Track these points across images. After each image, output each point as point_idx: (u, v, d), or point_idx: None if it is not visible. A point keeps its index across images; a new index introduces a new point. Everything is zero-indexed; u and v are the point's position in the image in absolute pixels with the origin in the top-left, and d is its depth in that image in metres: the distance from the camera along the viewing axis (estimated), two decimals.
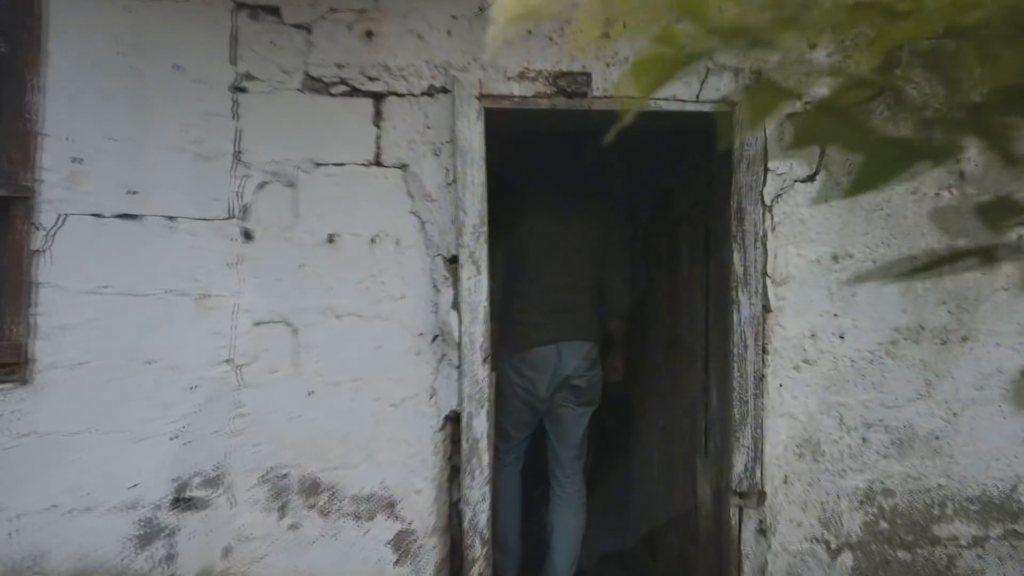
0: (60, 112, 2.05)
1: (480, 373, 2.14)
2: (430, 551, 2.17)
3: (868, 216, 2.25)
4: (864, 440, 2.25)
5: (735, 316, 2.19)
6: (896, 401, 2.26)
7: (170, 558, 2.08)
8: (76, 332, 2.05)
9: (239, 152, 2.12)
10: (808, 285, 2.23)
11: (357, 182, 2.15)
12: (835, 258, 2.24)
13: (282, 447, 2.13)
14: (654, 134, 2.82)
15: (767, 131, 2.21)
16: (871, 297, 2.25)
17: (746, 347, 2.18)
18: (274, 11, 2.13)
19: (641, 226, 3.25)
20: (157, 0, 2.10)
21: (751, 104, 0.48)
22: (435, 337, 2.17)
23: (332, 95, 2.14)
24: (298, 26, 2.14)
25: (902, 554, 2.26)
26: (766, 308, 2.21)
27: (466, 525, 2.14)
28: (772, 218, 2.22)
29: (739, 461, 2.19)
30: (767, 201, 2.21)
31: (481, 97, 2.14)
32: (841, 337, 2.24)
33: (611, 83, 2.18)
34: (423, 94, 2.16)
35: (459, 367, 2.14)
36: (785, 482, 2.23)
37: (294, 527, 2.14)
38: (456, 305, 2.15)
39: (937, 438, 2.27)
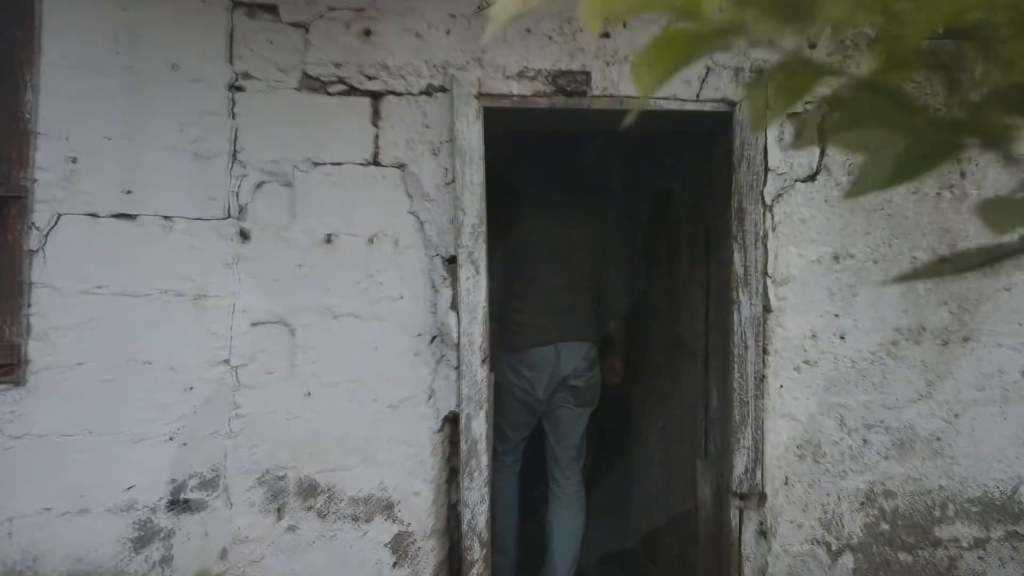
0: (56, 111, 2.04)
1: (479, 374, 2.12)
2: (428, 553, 2.15)
3: (869, 216, 2.24)
4: (865, 441, 2.24)
5: (735, 316, 2.17)
6: (897, 402, 2.25)
7: (167, 560, 2.07)
8: (72, 333, 2.03)
9: (236, 151, 2.11)
10: (809, 285, 2.22)
11: (355, 182, 2.14)
12: (836, 258, 2.23)
13: (279, 448, 2.12)
14: (654, 134, 2.81)
15: (767, 130, 2.20)
16: (872, 297, 2.24)
17: (746, 348, 2.17)
18: (271, 9, 2.12)
19: (641, 226, 3.24)
20: None
21: (781, 84, 0.44)
22: (433, 338, 2.16)
23: (330, 94, 2.13)
24: (295, 24, 2.13)
25: (903, 556, 2.25)
26: (766, 308, 2.20)
27: (465, 527, 2.13)
28: (773, 218, 2.21)
29: (739, 462, 2.17)
30: (767, 201, 2.20)
31: (480, 96, 2.12)
32: (842, 338, 2.23)
33: (611, 82, 2.17)
34: (421, 93, 2.15)
35: (458, 368, 2.13)
36: (786, 483, 2.22)
37: (291, 529, 2.12)
38: (455, 306, 2.14)
39: (938, 439, 2.26)
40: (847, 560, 2.23)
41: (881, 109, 0.42)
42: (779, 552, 2.21)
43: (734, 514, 2.22)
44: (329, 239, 2.14)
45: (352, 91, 2.14)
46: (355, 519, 2.14)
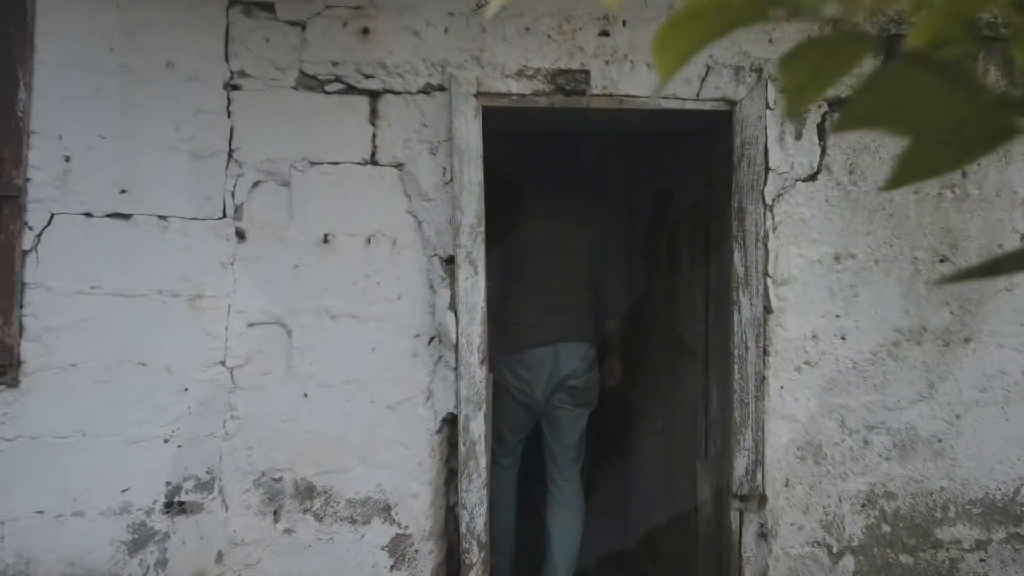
0: (50, 110, 2.02)
1: (477, 375, 2.11)
2: (427, 556, 2.14)
3: (870, 216, 2.22)
4: (866, 443, 2.22)
5: (736, 317, 2.16)
6: (898, 403, 2.23)
7: (162, 563, 2.05)
8: (66, 333, 2.01)
9: (232, 150, 2.09)
10: (809, 286, 2.21)
11: (352, 181, 2.12)
12: (837, 258, 2.22)
13: (276, 450, 2.10)
14: (654, 133, 2.80)
15: (767, 129, 2.18)
16: (873, 298, 2.22)
17: (747, 348, 2.16)
18: (268, 7, 2.10)
19: (641, 226, 3.22)
20: None
21: (823, 59, 0.40)
22: (432, 339, 2.14)
23: (327, 93, 2.11)
24: (292, 23, 2.11)
25: (904, 558, 2.23)
26: (767, 309, 2.19)
27: (463, 529, 2.11)
28: (773, 218, 2.19)
29: (740, 464, 2.16)
30: (768, 201, 2.19)
31: (478, 95, 2.11)
32: (843, 338, 2.21)
33: (610, 81, 2.16)
34: (419, 92, 2.13)
35: (456, 369, 2.11)
36: (786, 485, 2.20)
37: (288, 532, 2.10)
38: (453, 306, 2.12)
39: (939, 440, 2.24)
40: (848, 562, 2.22)
41: (930, 88, 0.38)
42: (780, 554, 2.20)
43: (734, 516, 2.20)
44: (326, 239, 2.12)
45: (349, 90, 2.12)
46: (352, 521, 2.12)
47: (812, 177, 2.21)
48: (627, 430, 3.35)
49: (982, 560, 2.25)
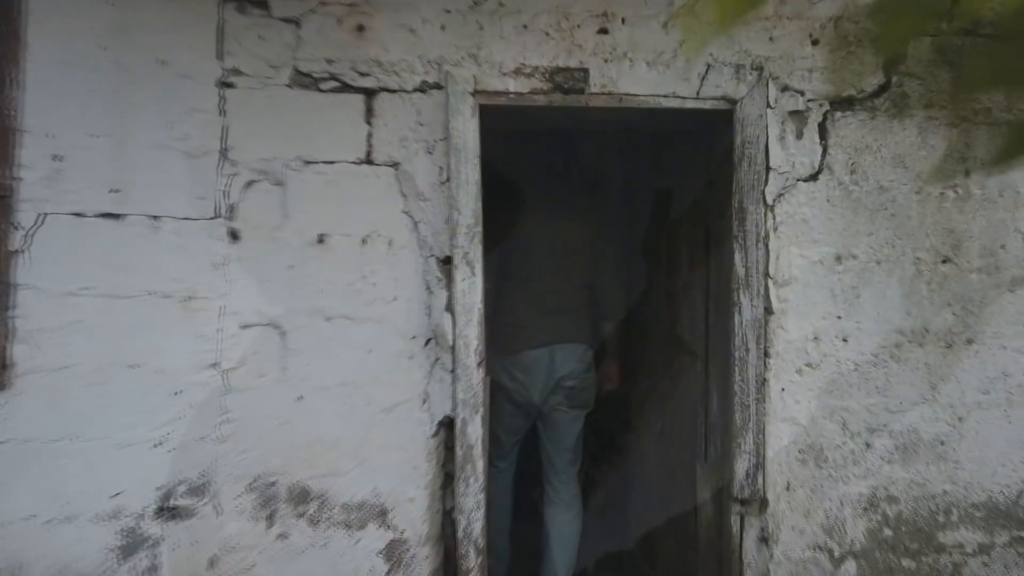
0: (40, 108, 1.98)
1: (474, 377, 2.08)
2: (423, 561, 2.11)
3: (872, 216, 2.20)
4: (868, 445, 2.20)
5: (736, 318, 2.13)
6: (900, 405, 2.21)
7: (154, 569, 2.02)
8: (56, 335, 1.98)
9: (226, 149, 2.06)
10: (811, 287, 2.18)
11: (348, 181, 2.09)
12: (838, 259, 2.19)
13: (270, 454, 2.07)
14: (654, 132, 2.77)
15: (768, 128, 2.15)
16: (874, 299, 2.20)
17: (747, 350, 2.13)
18: (262, 4, 2.07)
19: (640, 226, 3.20)
20: None
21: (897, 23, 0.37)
22: (428, 340, 2.11)
23: (322, 91, 2.08)
24: (287, 20, 2.08)
25: (906, 562, 2.21)
26: (768, 310, 2.16)
27: (460, 534, 2.08)
28: (774, 218, 2.17)
29: (740, 467, 2.13)
30: (769, 200, 2.16)
31: (476, 93, 2.08)
32: (844, 340, 2.19)
33: (609, 79, 2.13)
34: (416, 90, 2.10)
35: (453, 371, 2.08)
36: (787, 489, 2.18)
37: (282, 536, 2.07)
38: (450, 307, 2.09)
39: (942, 443, 2.22)
40: (850, 566, 2.19)
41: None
42: (781, 559, 2.17)
43: (735, 520, 2.17)
44: (321, 239, 2.09)
45: (345, 88, 2.09)
46: (348, 526, 2.09)
47: (813, 177, 2.18)
48: (626, 430, 3.32)
49: (985, 564, 2.23)
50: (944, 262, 2.22)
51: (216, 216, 2.06)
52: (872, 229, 2.20)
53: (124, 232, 2.02)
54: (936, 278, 2.22)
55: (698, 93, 2.14)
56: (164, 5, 2.04)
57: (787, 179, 2.17)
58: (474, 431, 2.08)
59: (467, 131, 2.06)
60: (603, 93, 2.13)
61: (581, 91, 2.12)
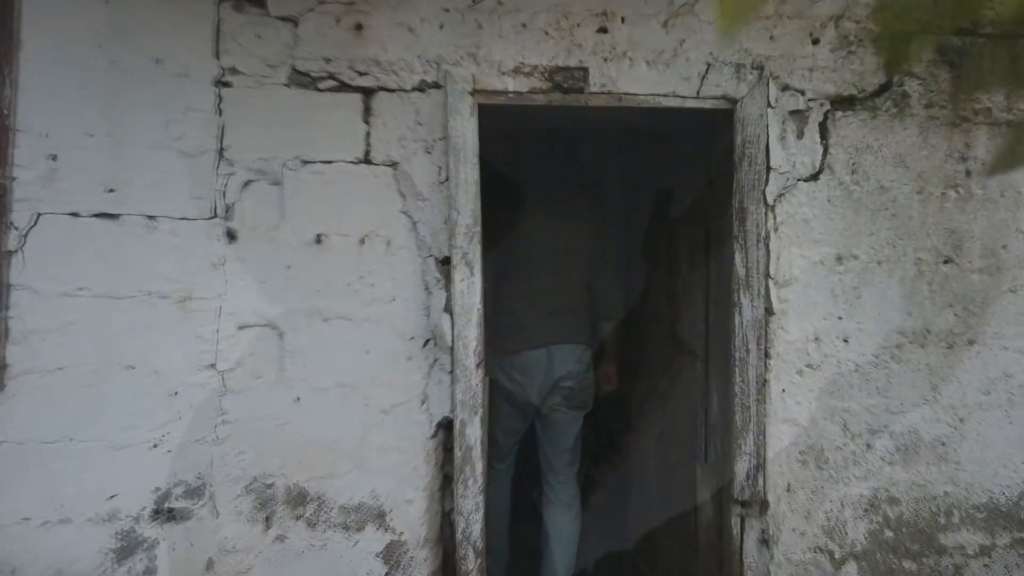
0: (35, 107, 1.97)
1: (473, 378, 2.06)
2: (421, 563, 2.09)
3: (873, 216, 2.19)
4: (869, 447, 2.19)
5: (737, 319, 2.12)
6: (901, 406, 2.20)
7: (150, 572, 2.00)
8: (51, 336, 1.96)
9: (223, 149, 2.04)
10: (811, 287, 2.17)
11: (346, 180, 2.08)
12: (839, 259, 2.18)
13: (267, 456, 2.05)
14: (653, 132, 2.76)
15: (768, 128, 2.14)
16: (875, 300, 2.19)
17: (748, 351, 2.12)
18: (259, 3, 2.06)
19: (640, 226, 3.18)
20: None
21: None
22: (427, 341, 2.10)
23: (320, 90, 2.07)
24: (284, 18, 2.06)
25: (907, 564, 2.20)
26: (768, 311, 2.15)
27: (459, 536, 2.07)
28: (775, 218, 2.15)
29: (741, 469, 2.12)
30: (769, 200, 2.15)
31: (474, 92, 2.06)
32: (845, 341, 2.18)
33: (609, 78, 2.11)
34: (414, 89, 2.09)
35: (452, 372, 2.07)
36: (788, 490, 2.16)
37: (280, 538, 2.06)
38: (449, 308, 2.08)
39: (943, 444, 2.21)
40: (851, 568, 2.18)
41: None
42: (781, 561, 2.16)
43: (735, 522, 2.16)
44: (319, 240, 2.07)
45: (343, 87, 2.07)
46: (346, 528, 2.08)
47: (814, 176, 2.17)
48: (626, 431, 3.31)
49: (986, 566, 2.22)
50: (945, 262, 2.21)
51: (213, 216, 2.04)
52: (873, 229, 2.19)
53: (120, 232, 2.00)
54: (937, 278, 2.21)
55: (698, 92, 2.13)
56: (160, 4, 2.02)
57: (788, 179, 2.16)
58: (473, 432, 2.06)
59: (466, 130, 2.05)
60: (603, 92, 2.11)
61: (580, 90, 2.11)
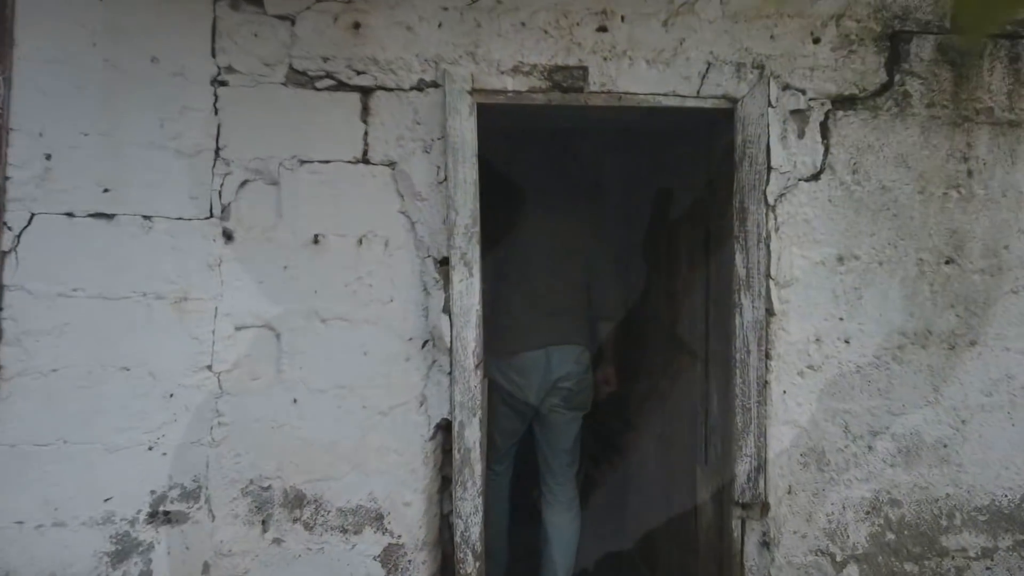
0: (30, 106, 1.95)
1: (472, 380, 2.05)
2: (420, 566, 2.08)
3: (874, 216, 2.17)
4: (870, 448, 2.17)
5: (737, 320, 2.10)
6: (903, 408, 2.19)
7: (146, 575, 1.98)
8: (46, 338, 1.95)
9: (219, 148, 2.03)
10: (813, 288, 2.15)
11: (343, 180, 2.06)
12: (840, 260, 2.17)
13: (264, 458, 2.04)
14: (653, 131, 2.75)
15: (769, 127, 2.13)
16: (877, 301, 2.17)
17: (749, 352, 2.10)
18: (256, 1, 2.04)
19: (640, 226, 3.17)
20: None
21: None
22: (425, 342, 2.08)
23: (317, 89, 2.05)
24: (281, 17, 2.05)
25: (909, 566, 2.18)
26: (769, 312, 2.13)
27: (458, 539, 2.05)
28: (775, 218, 2.14)
29: (741, 471, 2.10)
30: (770, 200, 2.14)
31: (473, 92, 2.05)
32: (847, 342, 2.16)
33: (608, 78, 2.10)
34: (412, 88, 2.07)
35: (450, 373, 2.05)
36: (789, 492, 2.15)
37: (277, 541, 2.04)
38: (447, 309, 2.06)
39: (945, 446, 2.20)
40: (852, 571, 2.17)
41: None
42: (782, 563, 2.15)
43: (736, 524, 2.15)
44: (316, 240, 2.06)
45: (340, 86, 2.06)
46: (343, 531, 2.06)
47: (815, 176, 2.16)
48: (626, 429, 3.29)
49: (988, 568, 2.20)
50: (947, 263, 2.20)
51: (210, 216, 2.02)
52: (874, 229, 2.18)
53: (116, 232, 1.99)
54: (939, 279, 2.19)
55: (698, 92, 2.11)
56: (156, 2, 2.01)
57: (789, 179, 2.15)
58: (472, 434, 2.05)
59: (465, 130, 2.03)
60: (602, 92, 2.10)
61: (580, 90, 2.09)
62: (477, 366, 2.06)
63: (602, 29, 2.10)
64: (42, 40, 1.96)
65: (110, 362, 1.97)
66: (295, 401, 2.05)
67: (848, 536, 2.17)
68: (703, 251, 2.42)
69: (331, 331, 2.06)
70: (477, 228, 2.05)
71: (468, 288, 2.04)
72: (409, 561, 2.07)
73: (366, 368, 2.07)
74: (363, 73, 2.06)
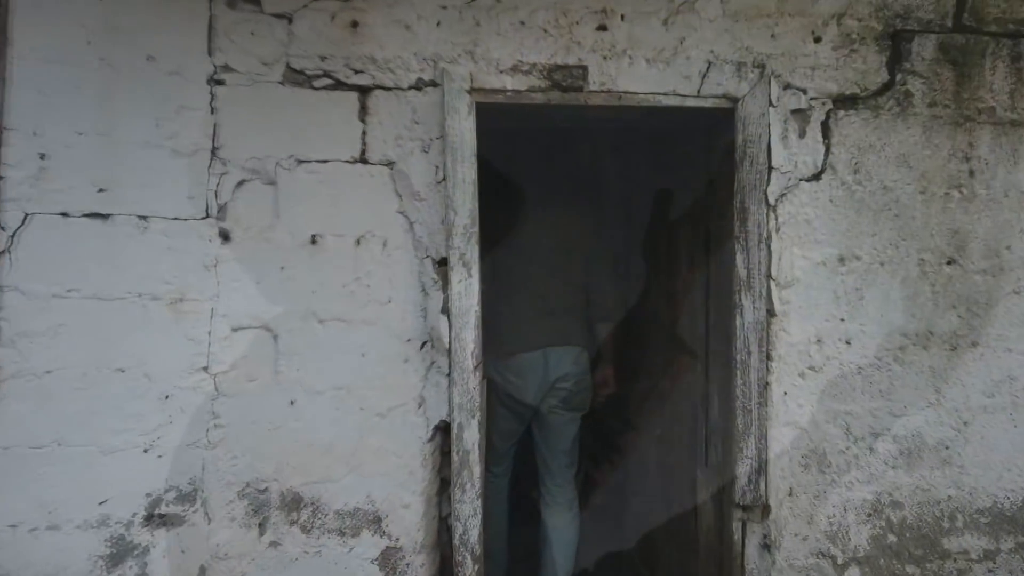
0: (25, 105, 1.93)
1: (471, 381, 2.03)
2: (418, 569, 2.06)
3: (876, 216, 2.16)
4: (871, 450, 2.16)
5: (738, 321, 2.09)
6: (904, 409, 2.17)
7: None
8: (41, 339, 1.93)
9: (216, 148, 2.01)
10: (814, 288, 2.14)
11: (341, 180, 2.04)
12: (841, 260, 2.15)
13: (261, 460, 2.02)
14: (653, 131, 2.73)
15: (770, 127, 2.11)
16: (878, 301, 2.16)
17: (749, 353, 2.09)
18: (253, 0, 2.03)
19: (640, 226, 3.16)
20: None
21: None
22: (424, 343, 2.07)
23: (315, 88, 2.03)
24: (279, 15, 2.03)
25: (911, 569, 2.17)
26: (770, 312, 2.12)
27: (456, 541, 2.04)
28: (776, 218, 2.13)
29: (742, 472, 2.09)
30: (771, 200, 2.12)
31: (472, 91, 2.03)
32: (848, 343, 2.15)
33: (608, 77, 2.09)
34: (411, 88, 2.06)
35: (449, 375, 2.04)
36: (790, 494, 2.14)
37: (274, 544, 2.03)
38: (446, 310, 2.05)
39: (947, 448, 2.18)
40: (853, 573, 2.15)
41: None
42: (783, 566, 2.13)
43: (736, 526, 2.13)
44: (314, 240, 2.04)
45: (338, 85, 2.04)
46: (341, 534, 2.04)
47: (816, 176, 2.14)
48: (626, 429, 3.28)
49: (990, 571, 2.19)
50: (948, 263, 2.18)
51: (206, 216, 2.01)
52: (875, 230, 2.16)
53: (112, 232, 1.97)
54: (940, 280, 2.18)
55: (699, 91, 2.10)
56: (153, 1, 1.99)
57: (789, 179, 2.13)
58: (471, 436, 2.03)
59: (463, 130, 2.02)
60: (602, 91, 2.08)
61: (580, 89, 2.08)
62: (476, 367, 2.05)
63: (602, 28, 2.09)
64: (38, 39, 1.94)
65: (106, 364, 1.96)
66: (292, 403, 2.03)
67: (849, 538, 2.16)
68: (703, 251, 2.41)
69: (329, 332, 2.04)
70: (476, 228, 2.03)
71: (467, 289, 2.03)
72: (407, 564, 2.06)
73: (364, 369, 2.05)
74: (361, 72, 2.05)
